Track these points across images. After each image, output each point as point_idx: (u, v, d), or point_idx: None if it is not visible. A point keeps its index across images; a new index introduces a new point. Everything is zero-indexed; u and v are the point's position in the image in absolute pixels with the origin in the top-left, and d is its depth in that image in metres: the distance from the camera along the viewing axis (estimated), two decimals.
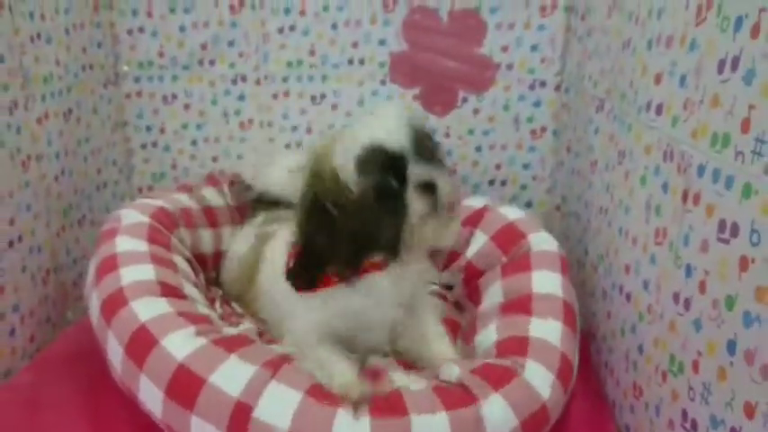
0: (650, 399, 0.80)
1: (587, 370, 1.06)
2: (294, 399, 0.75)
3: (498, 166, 1.49)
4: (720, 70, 0.65)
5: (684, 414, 0.70)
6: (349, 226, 0.82)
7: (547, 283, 0.99)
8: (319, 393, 0.77)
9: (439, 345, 0.95)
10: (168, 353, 0.81)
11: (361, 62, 1.46)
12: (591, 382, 1.03)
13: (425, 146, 0.84)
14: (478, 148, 1.48)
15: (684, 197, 0.71)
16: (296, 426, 0.73)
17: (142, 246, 1.01)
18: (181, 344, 0.82)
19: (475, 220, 1.17)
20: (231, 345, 0.83)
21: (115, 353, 0.87)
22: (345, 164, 0.82)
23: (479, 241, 1.14)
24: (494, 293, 1.03)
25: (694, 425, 0.67)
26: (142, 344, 0.84)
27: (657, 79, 0.82)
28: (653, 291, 0.80)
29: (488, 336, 0.94)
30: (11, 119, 1.08)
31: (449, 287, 1.22)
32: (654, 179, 0.81)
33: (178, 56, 1.49)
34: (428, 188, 0.81)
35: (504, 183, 1.48)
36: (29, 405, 0.95)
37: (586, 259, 1.15)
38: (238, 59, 1.48)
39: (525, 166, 1.48)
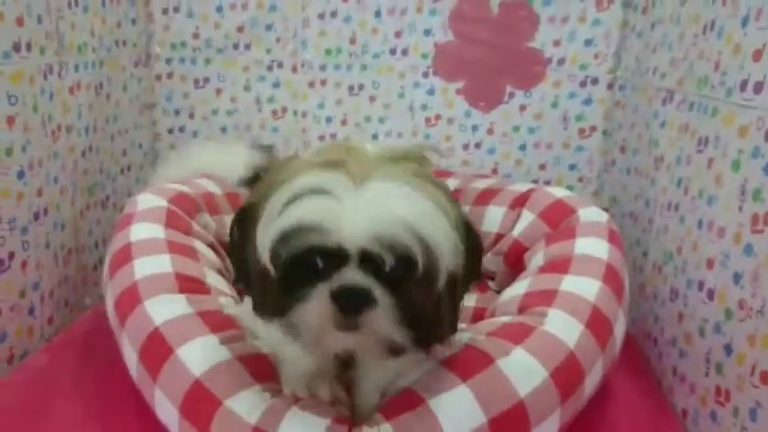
0: (742, 403, 0.72)
1: (647, 378, 0.98)
2: (320, 424, 0.65)
3: (543, 166, 1.42)
4: None
5: None
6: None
7: (591, 247, 0.91)
8: (343, 419, 0.67)
9: None
10: (184, 367, 0.72)
11: (404, 53, 1.40)
12: (653, 392, 0.95)
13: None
14: (522, 147, 1.42)
15: None
16: None
17: (159, 232, 0.92)
18: (200, 356, 0.73)
19: (522, 200, 1.12)
20: (254, 366, 0.73)
21: (130, 357, 0.79)
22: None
23: (526, 219, 1.07)
24: (535, 261, 0.96)
25: None
26: (156, 351, 0.75)
27: (757, 56, 0.76)
28: (747, 284, 0.73)
29: (515, 290, 0.87)
30: (45, 84, 1.02)
31: (491, 277, 1.15)
32: (751, 162, 0.75)
33: (213, 38, 1.43)
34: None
35: (548, 183, 1.41)
36: (43, 388, 0.88)
37: (646, 261, 1.08)
38: (275, 45, 1.42)
39: (572, 167, 1.41)
